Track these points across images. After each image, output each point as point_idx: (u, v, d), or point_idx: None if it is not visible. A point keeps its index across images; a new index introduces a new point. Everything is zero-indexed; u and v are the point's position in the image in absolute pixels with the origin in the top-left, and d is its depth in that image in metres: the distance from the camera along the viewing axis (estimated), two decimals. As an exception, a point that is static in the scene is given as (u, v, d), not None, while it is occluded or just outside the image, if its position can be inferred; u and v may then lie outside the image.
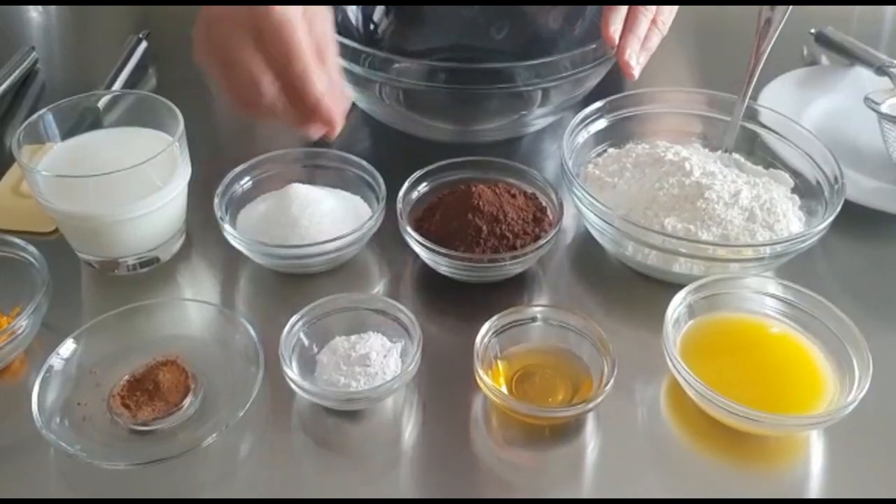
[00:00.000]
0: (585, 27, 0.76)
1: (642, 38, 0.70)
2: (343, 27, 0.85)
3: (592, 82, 0.77)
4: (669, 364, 0.56)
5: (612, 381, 0.55)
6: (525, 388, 0.58)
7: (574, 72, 0.72)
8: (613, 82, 0.72)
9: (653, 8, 0.70)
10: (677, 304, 0.59)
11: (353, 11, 0.86)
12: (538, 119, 0.79)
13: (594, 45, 0.72)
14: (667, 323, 0.57)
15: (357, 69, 0.72)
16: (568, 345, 0.60)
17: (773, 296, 0.61)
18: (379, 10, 0.87)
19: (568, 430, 0.57)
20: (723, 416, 0.55)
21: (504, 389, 0.57)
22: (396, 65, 0.72)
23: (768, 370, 0.59)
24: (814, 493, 0.54)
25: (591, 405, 0.55)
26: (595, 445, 0.56)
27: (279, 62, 0.54)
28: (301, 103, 0.56)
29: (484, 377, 0.55)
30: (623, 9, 0.69)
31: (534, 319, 0.60)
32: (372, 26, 0.87)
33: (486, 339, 0.58)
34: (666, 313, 0.58)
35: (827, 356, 0.58)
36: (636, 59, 0.70)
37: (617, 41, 0.68)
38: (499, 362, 0.59)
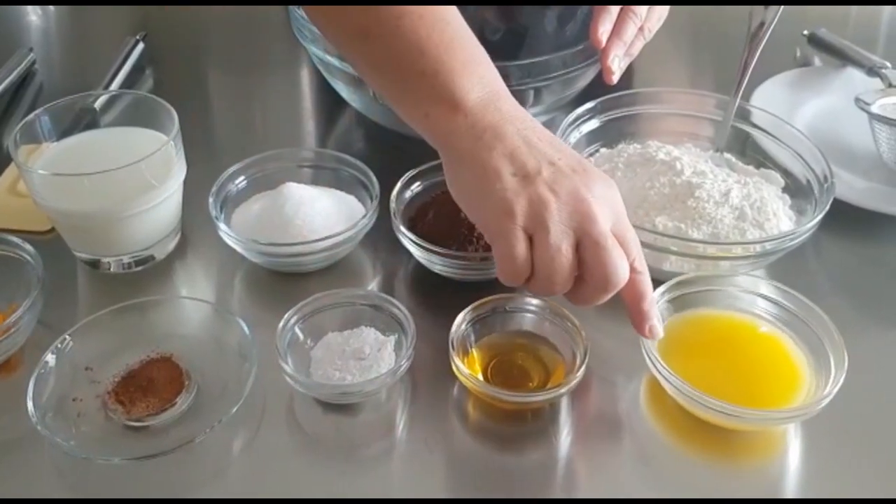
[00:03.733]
0: (577, 28, 0.76)
1: (628, 44, 0.70)
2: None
3: (583, 82, 0.78)
4: (647, 360, 0.57)
5: (584, 367, 0.56)
6: (501, 375, 0.59)
7: (565, 71, 0.73)
8: (605, 83, 0.73)
9: (642, 14, 0.71)
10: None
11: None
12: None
13: (584, 46, 0.72)
14: None
15: (350, 69, 0.73)
16: (543, 332, 0.61)
17: (750, 292, 0.62)
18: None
19: (548, 423, 0.57)
20: (699, 410, 0.55)
21: (480, 377, 0.58)
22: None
23: (745, 366, 0.59)
24: (791, 490, 0.54)
25: (563, 389, 0.56)
26: (577, 440, 0.57)
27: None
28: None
29: (460, 365, 0.56)
30: (614, 12, 0.70)
31: (507, 308, 0.61)
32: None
33: (461, 329, 0.59)
34: None
35: (804, 351, 0.59)
36: (618, 64, 0.70)
37: (604, 43, 0.69)
38: (474, 351, 0.60)
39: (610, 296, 0.54)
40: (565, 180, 0.53)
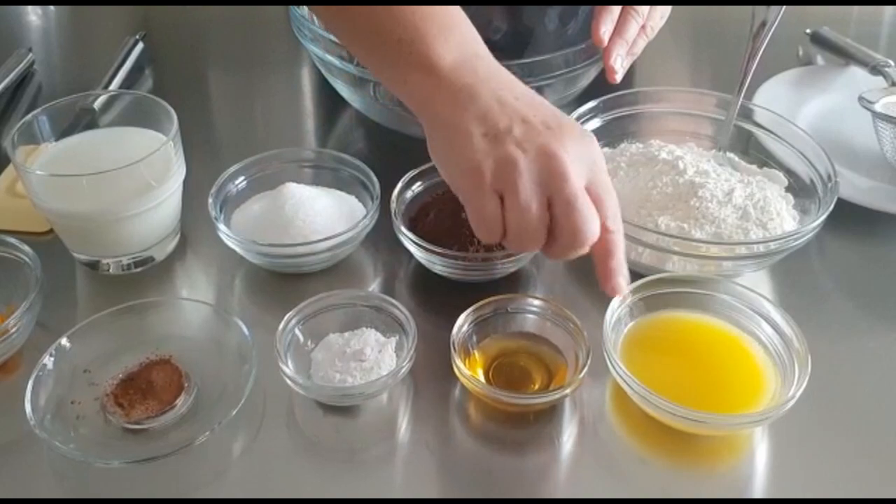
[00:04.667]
0: (579, 26, 0.76)
1: (630, 43, 0.70)
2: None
3: (585, 81, 0.77)
4: (610, 366, 0.56)
5: (586, 368, 0.56)
6: (503, 376, 0.58)
7: (567, 70, 0.72)
8: (607, 82, 0.72)
9: (644, 12, 0.70)
10: (616, 307, 0.59)
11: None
12: (532, 118, 0.79)
13: (586, 44, 0.72)
14: (606, 324, 0.57)
15: (350, 68, 0.72)
16: (545, 333, 0.61)
17: (714, 294, 0.61)
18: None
19: (550, 425, 0.57)
20: (659, 415, 0.55)
21: (481, 378, 0.58)
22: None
23: (710, 369, 0.58)
24: (758, 492, 0.54)
25: (566, 391, 0.55)
26: (580, 442, 0.56)
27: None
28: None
29: (461, 367, 0.56)
30: (615, 10, 0.69)
31: (508, 309, 0.61)
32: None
33: (462, 330, 0.59)
34: (605, 315, 0.58)
35: (769, 353, 0.58)
36: (621, 63, 0.69)
37: (606, 42, 0.68)
38: (476, 352, 0.60)
39: (581, 253, 0.53)
40: (537, 137, 0.52)
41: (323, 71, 0.79)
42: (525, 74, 0.71)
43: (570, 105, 0.77)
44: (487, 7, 0.83)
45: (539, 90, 0.73)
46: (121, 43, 0.93)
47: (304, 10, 0.79)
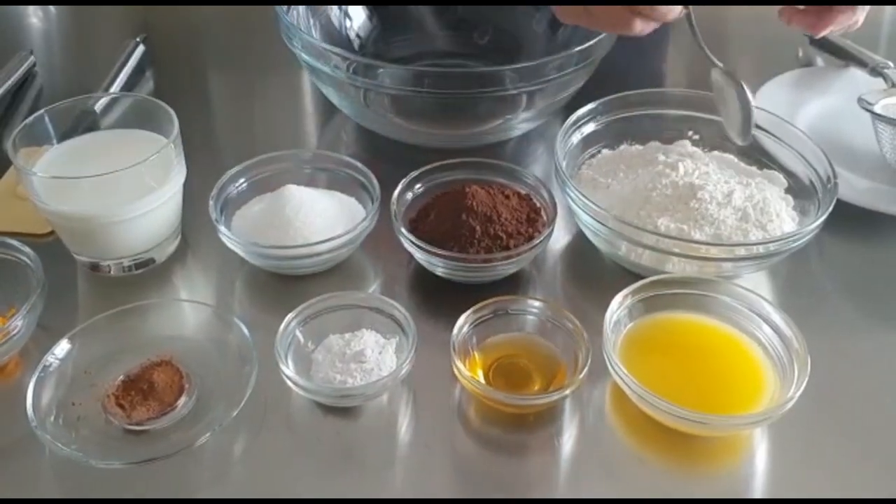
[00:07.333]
0: (569, 30, 0.75)
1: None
2: (326, 33, 0.85)
3: (577, 86, 0.77)
4: (609, 367, 0.56)
5: (586, 369, 0.56)
6: (503, 377, 0.58)
7: (558, 75, 0.72)
8: (600, 85, 0.72)
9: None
10: (615, 308, 0.59)
11: (336, 17, 0.86)
12: (522, 123, 0.78)
13: (578, 49, 0.72)
14: (606, 325, 0.57)
15: (340, 75, 0.73)
16: (545, 334, 0.61)
17: (713, 295, 0.61)
18: (363, 16, 0.87)
19: (550, 425, 0.57)
20: (659, 416, 0.55)
21: (481, 379, 0.58)
22: (380, 70, 0.72)
23: (709, 370, 0.58)
24: (758, 492, 0.54)
25: (566, 392, 0.55)
26: (580, 443, 0.56)
27: None
28: None
29: (461, 368, 0.56)
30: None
31: (508, 310, 0.61)
32: (355, 32, 0.87)
33: (462, 331, 0.59)
34: (605, 316, 0.58)
35: (769, 354, 0.58)
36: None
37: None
38: (476, 353, 0.60)
39: None
40: None
41: (313, 78, 0.78)
42: (516, 79, 0.71)
43: (561, 110, 0.77)
44: (476, 11, 0.82)
45: (530, 95, 0.74)
46: (121, 45, 0.93)
47: (293, 17, 0.78)
